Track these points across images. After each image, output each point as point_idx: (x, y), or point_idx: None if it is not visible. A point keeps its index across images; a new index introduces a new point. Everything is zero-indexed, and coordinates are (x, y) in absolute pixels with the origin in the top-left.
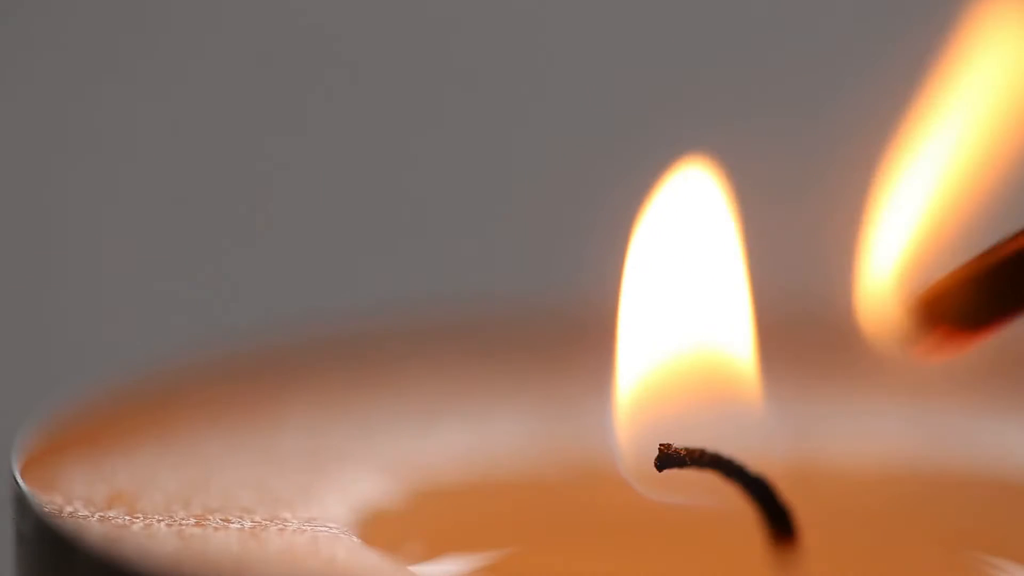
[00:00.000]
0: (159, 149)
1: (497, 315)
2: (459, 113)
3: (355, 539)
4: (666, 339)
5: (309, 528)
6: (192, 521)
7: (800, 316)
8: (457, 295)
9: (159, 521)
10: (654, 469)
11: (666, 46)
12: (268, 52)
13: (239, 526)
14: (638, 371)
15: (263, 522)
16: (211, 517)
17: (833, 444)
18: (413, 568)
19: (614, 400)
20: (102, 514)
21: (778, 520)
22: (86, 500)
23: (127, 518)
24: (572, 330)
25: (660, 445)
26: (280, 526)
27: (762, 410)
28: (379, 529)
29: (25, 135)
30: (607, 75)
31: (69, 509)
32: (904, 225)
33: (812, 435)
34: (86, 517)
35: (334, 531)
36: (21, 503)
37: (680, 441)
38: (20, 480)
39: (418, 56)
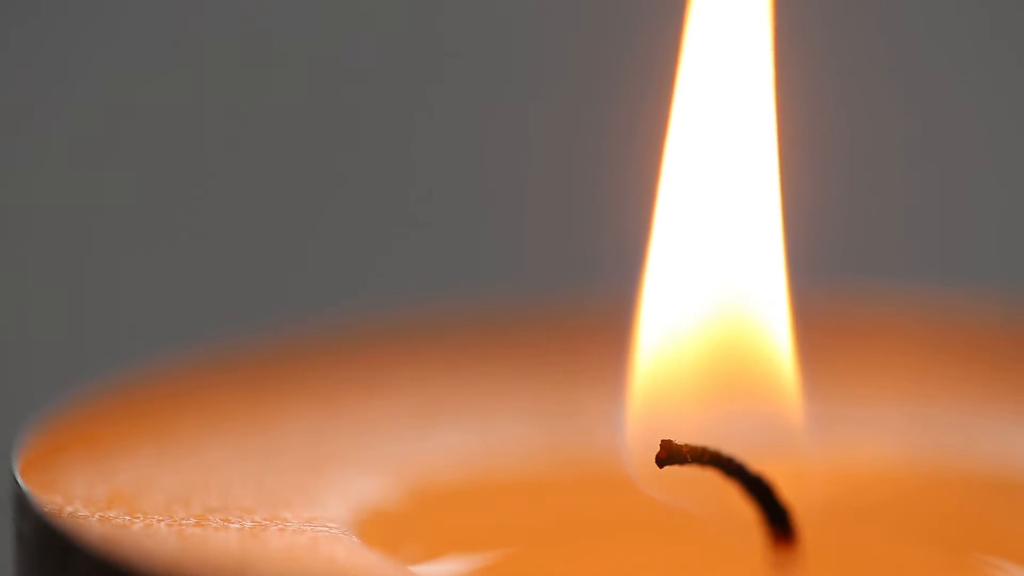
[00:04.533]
0: (158, 148)
1: (498, 315)
2: (459, 111)
3: (355, 539)
4: (689, 325)
5: (309, 528)
6: (192, 521)
7: (796, 315)
8: (457, 295)
9: (159, 521)
10: (656, 467)
11: None
12: (269, 51)
13: (239, 526)
14: (654, 360)
15: (263, 522)
16: (211, 517)
17: (833, 444)
18: (413, 568)
19: (626, 395)
20: (102, 514)
21: (778, 520)
22: (86, 500)
23: (127, 518)
24: (574, 329)
25: (662, 441)
26: (280, 526)
27: (800, 416)
28: (379, 529)
29: (21, 135)
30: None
31: (69, 509)
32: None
33: (813, 435)
34: (86, 517)
35: (334, 531)
36: (21, 503)
37: (695, 439)
38: (20, 480)
39: (413, 52)
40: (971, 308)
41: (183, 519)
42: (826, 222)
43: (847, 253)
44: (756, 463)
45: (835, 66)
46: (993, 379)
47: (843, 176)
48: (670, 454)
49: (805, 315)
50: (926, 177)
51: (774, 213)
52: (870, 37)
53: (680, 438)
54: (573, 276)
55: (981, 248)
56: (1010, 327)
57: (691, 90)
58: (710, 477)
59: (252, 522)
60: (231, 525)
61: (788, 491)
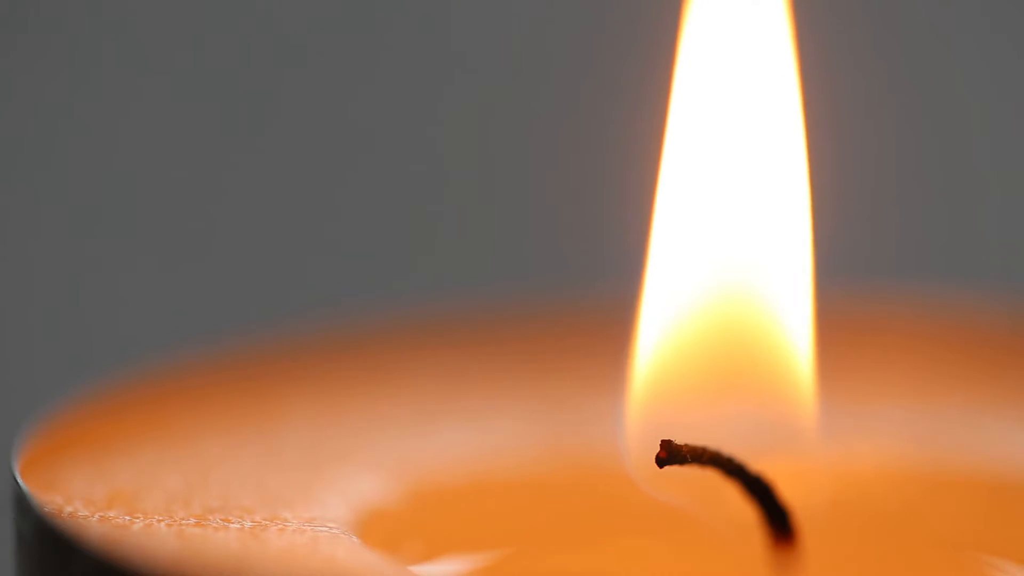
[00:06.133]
0: (158, 147)
1: (497, 315)
2: (459, 111)
3: (355, 539)
4: (693, 322)
5: (309, 528)
6: (192, 521)
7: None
8: (457, 294)
9: (159, 521)
10: (656, 467)
11: None
12: (271, 51)
13: (239, 526)
14: (655, 359)
15: (263, 522)
16: (211, 517)
17: (835, 443)
18: (413, 568)
19: (626, 394)
20: (102, 514)
21: (778, 520)
22: (86, 500)
23: (127, 518)
24: (575, 328)
25: (662, 441)
26: (280, 526)
27: (811, 416)
28: (379, 529)
29: (22, 135)
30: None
31: (69, 509)
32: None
33: (816, 434)
34: (86, 517)
35: (334, 531)
36: (21, 503)
37: (698, 439)
38: (20, 480)
39: (418, 51)
40: (976, 308)
41: (183, 519)
42: (831, 222)
43: (852, 253)
44: (756, 463)
45: (843, 63)
46: (997, 379)
47: (847, 176)
48: (670, 454)
49: (809, 314)
50: (933, 176)
51: (785, 213)
52: (893, 39)
53: (680, 438)
54: (574, 274)
55: (988, 248)
56: (1016, 327)
57: (704, 86)
58: (710, 477)
59: (252, 522)
60: (231, 525)
61: (788, 491)
